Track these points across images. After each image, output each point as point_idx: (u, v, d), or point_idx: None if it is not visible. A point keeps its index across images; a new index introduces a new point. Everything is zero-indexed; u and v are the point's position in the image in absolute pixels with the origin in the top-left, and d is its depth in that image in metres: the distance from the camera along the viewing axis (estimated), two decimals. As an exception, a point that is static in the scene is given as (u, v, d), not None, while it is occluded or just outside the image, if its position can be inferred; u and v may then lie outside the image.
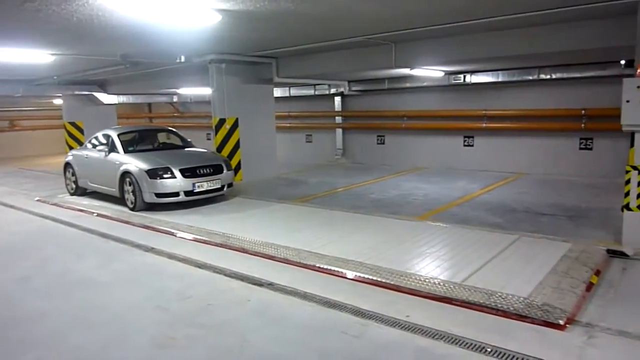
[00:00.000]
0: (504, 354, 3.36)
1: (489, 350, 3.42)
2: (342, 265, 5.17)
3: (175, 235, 6.82)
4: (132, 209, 8.42)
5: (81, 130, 16.16)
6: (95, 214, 8.40)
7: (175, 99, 18.83)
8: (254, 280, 4.94)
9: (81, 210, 8.74)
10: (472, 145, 12.58)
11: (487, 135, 12.23)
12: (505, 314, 3.96)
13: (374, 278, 4.78)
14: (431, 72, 11.36)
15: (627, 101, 5.35)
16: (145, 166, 8.26)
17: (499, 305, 4.04)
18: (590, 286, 4.46)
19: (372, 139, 14.63)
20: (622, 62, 9.42)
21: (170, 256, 5.89)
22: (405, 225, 6.94)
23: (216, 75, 10.78)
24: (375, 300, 4.32)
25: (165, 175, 8.19)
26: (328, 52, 9.89)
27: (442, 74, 11.76)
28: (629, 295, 4.38)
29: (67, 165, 10.34)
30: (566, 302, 4.04)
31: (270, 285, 4.80)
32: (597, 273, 4.76)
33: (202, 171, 8.54)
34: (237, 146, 11.14)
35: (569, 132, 10.90)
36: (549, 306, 3.97)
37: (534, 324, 3.79)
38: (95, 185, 9.57)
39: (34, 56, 9.29)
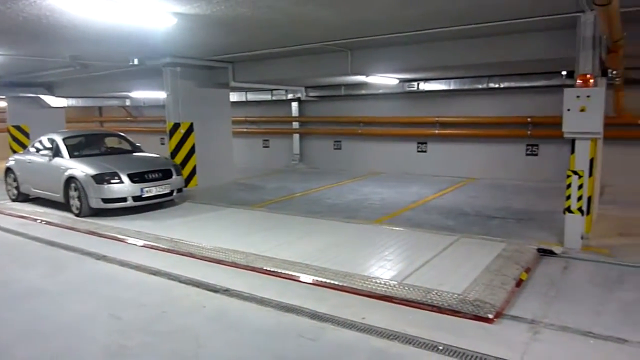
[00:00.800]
0: (455, 351, 3.48)
1: (440, 348, 3.53)
2: (290, 268, 5.23)
3: (126, 242, 6.66)
4: (78, 215, 8.16)
5: (27, 135, 15.42)
6: (40, 221, 8.08)
7: (127, 102, 18.33)
8: (209, 287, 4.89)
9: (24, 217, 8.39)
10: (426, 151, 12.91)
11: (440, 142, 12.60)
12: (440, 309, 4.17)
13: (325, 280, 4.87)
14: (386, 80, 11.62)
15: (568, 110, 5.68)
16: (91, 171, 8.03)
17: (435, 302, 4.27)
18: (520, 282, 4.75)
19: (329, 145, 14.76)
20: (564, 73, 9.94)
21: (123, 263, 5.74)
22: (358, 228, 7.06)
23: (171, 79, 10.59)
24: (331, 303, 4.37)
25: (112, 181, 7.99)
26: (284, 58, 9.94)
27: (397, 81, 12.03)
28: (569, 293, 4.62)
29: (8, 170, 9.90)
30: (496, 298, 4.30)
31: (226, 292, 4.76)
32: (527, 270, 5.08)
33: (150, 176, 8.39)
34: (192, 151, 10.97)
35: (517, 139, 11.39)
36: (480, 301, 4.22)
37: (466, 318, 4.01)
38: (39, 191, 9.22)
39: (-25, 56, 8.86)
